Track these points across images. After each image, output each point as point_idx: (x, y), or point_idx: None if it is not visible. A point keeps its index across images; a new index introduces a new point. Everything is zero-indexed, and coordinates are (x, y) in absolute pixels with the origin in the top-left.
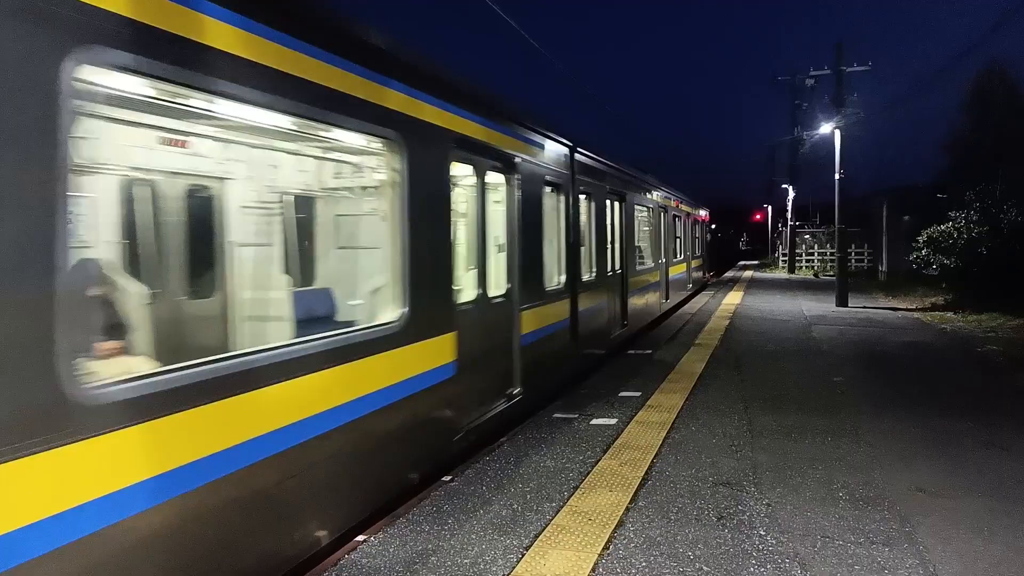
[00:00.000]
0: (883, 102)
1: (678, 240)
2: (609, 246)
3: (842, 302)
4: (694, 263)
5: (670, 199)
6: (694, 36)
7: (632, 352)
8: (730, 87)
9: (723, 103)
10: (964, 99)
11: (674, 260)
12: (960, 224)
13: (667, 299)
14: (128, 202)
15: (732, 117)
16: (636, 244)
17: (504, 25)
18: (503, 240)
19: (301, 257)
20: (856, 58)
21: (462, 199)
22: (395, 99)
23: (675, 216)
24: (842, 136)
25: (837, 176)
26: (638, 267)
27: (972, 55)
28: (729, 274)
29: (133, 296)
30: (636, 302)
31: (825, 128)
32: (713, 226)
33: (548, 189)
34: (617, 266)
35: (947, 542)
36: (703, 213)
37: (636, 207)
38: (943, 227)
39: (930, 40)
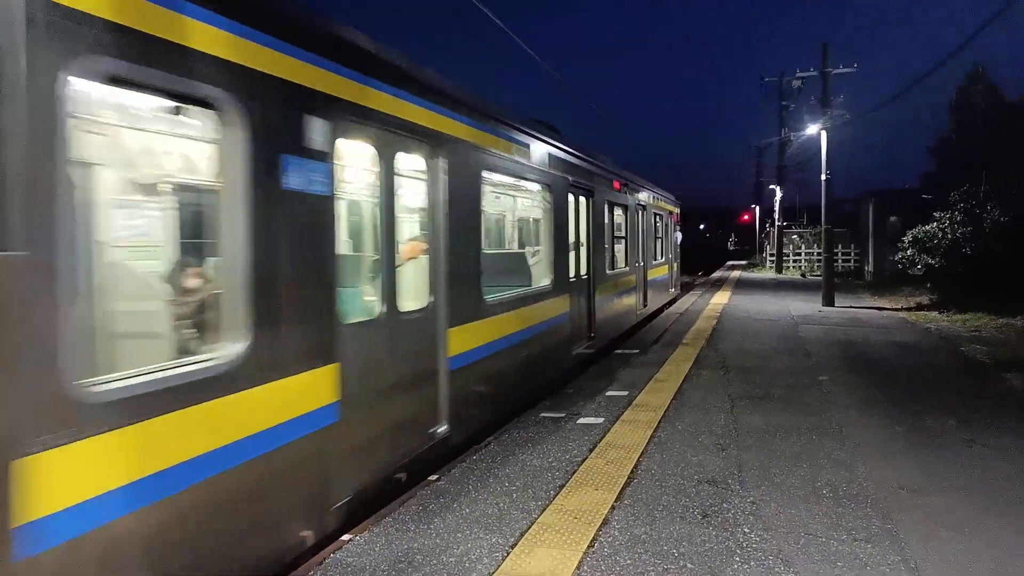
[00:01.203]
0: (870, 103)
1: (624, 243)
2: (393, 259)
3: (828, 302)
4: (655, 273)
5: (602, 177)
6: (679, 35)
7: (619, 352)
8: (719, 89)
9: (712, 105)
10: (949, 102)
11: (611, 272)
12: (944, 224)
13: (591, 336)
14: None
15: (721, 119)
16: (511, 247)
17: (485, 21)
18: None
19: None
20: (843, 60)
21: None
22: None
23: (613, 205)
24: (828, 137)
25: (824, 177)
26: (498, 298)
27: (957, 58)
28: (717, 274)
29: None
30: (480, 388)
31: (811, 129)
32: (702, 226)
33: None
34: (422, 296)
35: (929, 539)
36: (671, 207)
37: (519, 180)
38: (928, 227)
39: (917, 41)
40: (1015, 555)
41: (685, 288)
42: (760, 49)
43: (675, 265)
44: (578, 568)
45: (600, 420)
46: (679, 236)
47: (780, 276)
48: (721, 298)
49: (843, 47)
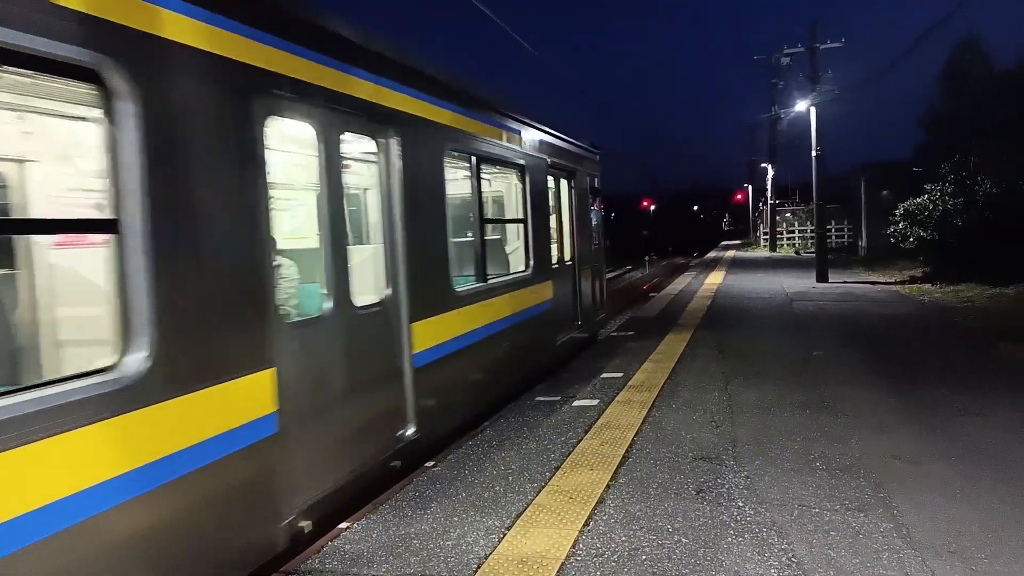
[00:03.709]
0: (858, 78)
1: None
2: None
3: (823, 278)
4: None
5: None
6: (675, 15)
7: (615, 334)
8: (712, 69)
9: (705, 85)
10: (940, 72)
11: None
12: (935, 196)
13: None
14: None
15: (714, 99)
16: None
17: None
18: None
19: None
20: (830, 35)
21: None
22: None
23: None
24: (818, 113)
25: (814, 153)
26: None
27: (947, 27)
28: (712, 255)
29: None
30: None
31: (800, 106)
32: (696, 207)
33: None
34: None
35: (921, 506)
36: (566, 153)
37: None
38: (919, 200)
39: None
40: (1006, 520)
41: (678, 270)
42: (755, 25)
43: (578, 284)
44: (573, 546)
45: (595, 402)
46: (597, 219)
47: (774, 254)
48: (715, 278)
49: (835, 22)
